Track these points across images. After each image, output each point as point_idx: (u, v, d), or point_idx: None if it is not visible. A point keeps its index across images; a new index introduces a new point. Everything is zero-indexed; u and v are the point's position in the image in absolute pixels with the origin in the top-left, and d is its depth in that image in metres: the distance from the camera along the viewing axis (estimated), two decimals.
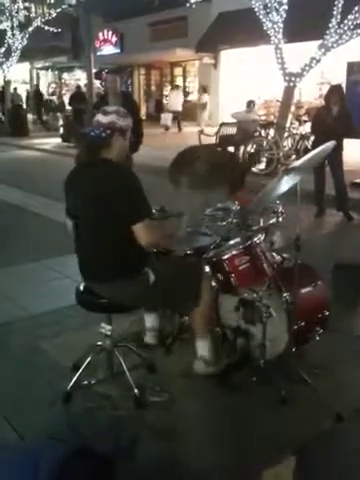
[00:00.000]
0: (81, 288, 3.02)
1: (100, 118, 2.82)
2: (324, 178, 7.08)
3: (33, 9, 19.74)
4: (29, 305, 4.30)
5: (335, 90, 7.04)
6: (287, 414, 2.90)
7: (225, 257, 3.02)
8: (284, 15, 10.10)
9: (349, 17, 9.46)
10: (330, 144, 3.03)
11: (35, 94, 23.23)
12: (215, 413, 2.96)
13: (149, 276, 2.87)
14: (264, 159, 10.62)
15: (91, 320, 3.33)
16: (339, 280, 4.28)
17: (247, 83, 17.62)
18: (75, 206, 2.90)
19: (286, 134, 10.95)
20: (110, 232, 2.77)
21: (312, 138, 8.26)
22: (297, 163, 3.08)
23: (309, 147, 9.97)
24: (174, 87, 21.61)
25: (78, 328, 3.79)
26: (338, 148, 6.47)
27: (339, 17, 9.57)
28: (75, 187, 2.89)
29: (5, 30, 19.53)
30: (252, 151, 10.53)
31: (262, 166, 10.56)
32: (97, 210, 2.75)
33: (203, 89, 19.76)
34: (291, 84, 10.42)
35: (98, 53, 22.57)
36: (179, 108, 19.64)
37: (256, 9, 10.25)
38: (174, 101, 19.84)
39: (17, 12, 19.42)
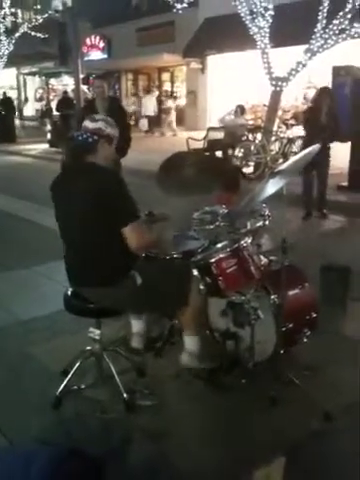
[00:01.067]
0: (69, 293, 3.03)
1: (87, 124, 2.86)
2: (312, 181, 7.18)
3: (20, 15, 19.67)
4: (19, 310, 4.30)
5: (324, 92, 7.20)
6: (277, 415, 2.92)
7: (213, 260, 3.03)
8: (270, 20, 10.18)
9: (334, 22, 9.56)
10: (315, 147, 3.07)
11: (2, 101, 22.28)
12: (205, 415, 2.98)
13: (136, 279, 2.88)
14: (252, 163, 10.68)
15: (81, 325, 3.33)
16: (327, 281, 4.32)
17: (235, 88, 17.70)
18: (63, 210, 2.91)
19: (273, 138, 11.03)
20: (97, 235, 2.78)
21: (299, 142, 8.35)
22: (283, 166, 3.11)
23: (297, 150, 10.07)
24: (147, 92, 21.74)
25: (68, 333, 3.79)
26: (325, 149, 6.59)
27: (324, 22, 9.68)
28: (62, 192, 2.90)
29: None
30: (240, 155, 10.58)
31: (250, 170, 10.62)
32: (84, 214, 2.75)
33: (171, 94, 19.93)
34: (278, 88, 10.50)
35: (85, 58, 22.45)
36: (151, 113, 19.84)
37: (242, 14, 10.32)
38: (147, 106, 20.03)
39: (4, 18, 19.38)
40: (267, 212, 3.33)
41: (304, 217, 7.24)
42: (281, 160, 10.78)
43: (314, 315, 3.32)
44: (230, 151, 10.80)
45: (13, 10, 19.54)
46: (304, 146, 7.08)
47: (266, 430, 2.82)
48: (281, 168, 3.10)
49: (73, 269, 2.95)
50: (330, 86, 10.61)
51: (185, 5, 13.37)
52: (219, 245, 3.16)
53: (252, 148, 10.66)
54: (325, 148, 6.62)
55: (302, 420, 2.88)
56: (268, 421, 2.88)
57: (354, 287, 4.35)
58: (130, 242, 2.75)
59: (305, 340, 3.29)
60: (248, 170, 10.60)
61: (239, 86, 17.53)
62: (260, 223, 3.30)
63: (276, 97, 10.78)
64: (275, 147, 11.15)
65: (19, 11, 19.83)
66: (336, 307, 4.18)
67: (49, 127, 17.87)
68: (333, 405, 2.94)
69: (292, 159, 3.18)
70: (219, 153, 11.14)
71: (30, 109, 29.78)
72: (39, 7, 19.59)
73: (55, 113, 19.07)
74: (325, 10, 9.64)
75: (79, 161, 2.85)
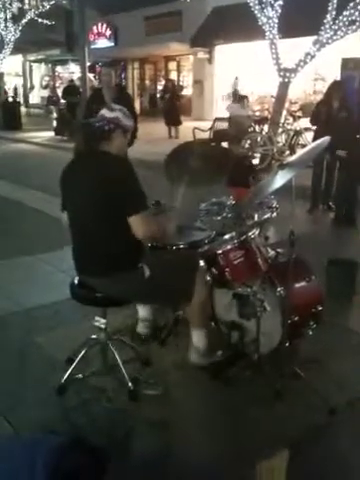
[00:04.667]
0: (75, 282, 3.02)
1: (105, 113, 2.85)
2: (322, 174, 7.17)
3: (26, 1, 19.56)
4: (24, 299, 4.30)
5: (337, 86, 7.15)
6: (281, 408, 2.92)
7: (220, 251, 3.02)
8: (279, 10, 10.09)
9: (344, 13, 9.47)
10: (325, 139, 3.04)
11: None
12: (209, 406, 2.98)
13: (144, 270, 2.87)
14: (258, 154, 10.64)
15: (85, 314, 3.33)
16: (333, 275, 4.31)
17: (242, 78, 17.62)
18: (72, 197, 2.90)
19: (280, 130, 10.97)
20: (106, 224, 2.77)
21: (306, 134, 8.28)
22: (292, 158, 3.09)
23: (304, 142, 10.02)
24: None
25: (73, 322, 3.80)
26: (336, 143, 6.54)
27: (334, 13, 9.58)
28: (73, 178, 2.89)
29: None
30: (246, 146, 10.54)
31: (256, 161, 10.57)
32: (94, 201, 2.74)
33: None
34: (285, 80, 10.42)
35: (92, 46, 22.45)
36: None
37: (251, 4, 10.23)
38: None
39: (10, 4, 19.27)
40: (275, 204, 3.31)
41: (309, 210, 7.20)
42: (288, 152, 10.74)
43: (320, 308, 3.31)
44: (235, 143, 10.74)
45: None
46: (314, 140, 7.04)
47: (270, 423, 2.82)
48: (290, 160, 3.08)
49: (81, 258, 2.95)
50: (339, 78, 10.59)
51: None
52: (226, 236, 3.15)
53: (259, 139, 10.61)
54: (339, 140, 6.56)
55: (306, 413, 2.88)
56: (272, 414, 2.88)
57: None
58: (136, 231, 2.74)
59: (310, 333, 3.29)
60: (254, 161, 10.55)
61: (247, 76, 17.44)
62: (268, 215, 3.29)
63: (283, 88, 10.71)
64: (282, 139, 11.10)
65: None
66: (342, 300, 4.18)
67: (55, 115, 17.82)
68: (337, 399, 2.94)
69: (301, 151, 3.15)
70: (225, 143, 11.08)
71: (36, 97, 29.70)
72: None
73: (61, 101, 19.00)
74: (335, 1, 9.53)
75: (93, 148, 2.84)
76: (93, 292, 2.89)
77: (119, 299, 2.93)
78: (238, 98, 11.77)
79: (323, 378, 3.15)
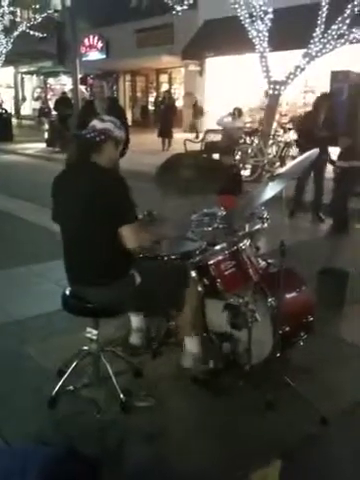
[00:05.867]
0: (67, 292, 3.02)
1: (96, 124, 2.86)
2: (305, 184, 7.35)
3: (19, 13, 19.65)
4: (15, 310, 4.29)
5: (325, 98, 7.26)
6: (273, 418, 2.92)
7: (211, 262, 3.04)
8: (269, 24, 10.20)
9: (333, 27, 9.59)
10: (314, 152, 3.09)
11: None
12: (201, 417, 2.98)
13: (135, 278, 2.89)
14: (249, 166, 10.71)
15: (77, 325, 3.33)
16: (324, 284, 4.34)
17: (233, 90, 17.74)
18: (64, 208, 2.91)
19: (271, 141, 11.05)
20: (97, 234, 2.78)
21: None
22: (282, 170, 3.12)
23: (294, 154, 10.11)
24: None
25: (65, 333, 3.78)
26: (322, 154, 6.62)
27: (323, 27, 9.70)
28: (64, 189, 2.90)
29: None
30: (237, 157, 10.60)
31: (247, 173, 10.64)
32: (85, 212, 2.76)
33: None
34: (276, 92, 10.51)
35: (84, 58, 22.55)
36: None
37: (241, 18, 10.33)
38: None
39: (2, 16, 19.35)
40: (265, 215, 3.34)
41: (289, 216, 7.31)
42: (278, 163, 10.81)
43: (310, 318, 3.33)
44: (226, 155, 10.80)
45: (12, 9, 19.47)
46: (299, 149, 7.16)
47: (262, 433, 2.82)
48: (280, 172, 3.11)
49: (72, 268, 2.95)
50: (328, 90, 10.71)
51: (185, 7, 13.31)
52: (218, 247, 3.17)
53: (249, 151, 10.68)
54: (321, 153, 6.64)
55: (298, 423, 2.88)
56: (264, 424, 2.88)
57: (351, 290, 4.37)
58: (126, 241, 2.76)
59: (301, 343, 3.30)
60: (245, 173, 10.61)
61: (237, 89, 17.57)
62: (258, 226, 3.31)
63: (274, 101, 10.80)
64: (272, 150, 11.18)
65: (18, 10, 19.76)
66: (333, 310, 4.20)
67: (46, 126, 17.84)
68: (329, 409, 2.95)
69: (291, 163, 3.19)
70: (217, 155, 11.14)
71: (28, 108, 29.73)
72: (38, 6, 19.53)
73: (53, 113, 19.03)
74: (324, 15, 9.66)
75: (83, 159, 2.85)
76: (84, 302, 2.90)
77: (111, 309, 2.92)
78: (234, 112, 11.85)
79: (315, 388, 3.16)
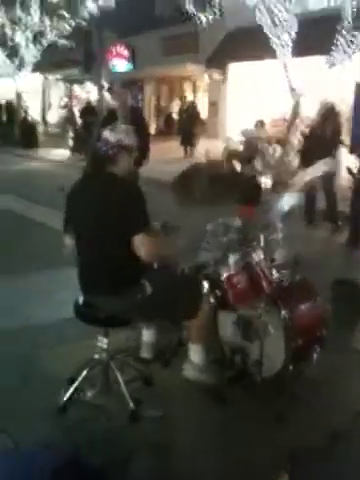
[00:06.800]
0: (79, 301, 3.04)
1: (108, 136, 2.90)
2: (315, 193, 7.26)
3: (47, 23, 19.95)
4: (30, 315, 4.32)
5: (330, 109, 7.23)
6: (283, 431, 2.89)
7: (223, 276, 3.04)
8: (292, 32, 10.19)
9: (355, 33, 9.55)
10: (326, 162, 3.07)
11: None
12: (211, 428, 2.96)
13: (146, 289, 2.90)
14: (270, 176, 10.65)
15: (91, 333, 3.34)
16: (339, 296, 4.28)
17: (256, 99, 17.69)
18: (79, 217, 2.95)
19: (293, 151, 10.98)
20: (110, 243, 2.81)
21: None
22: (296, 180, 3.11)
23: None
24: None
25: (77, 340, 3.79)
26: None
27: (345, 34, 9.67)
28: (80, 199, 2.95)
29: (19, 43, 19.83)
30: (259, 167, 10.57)
31: (268, 182, 10.58)
32: (99, 221, 2.81)
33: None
34: (298, 102, 10.49)
35: (110, 67, 22.77)
36: None
37: (264, 26, 10.34)
38: None
39: (32, 25, 19.68)
40: (280, 225, 3.32)
41: (307, 226, 7.28)
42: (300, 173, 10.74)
43: (324, 332, 3.29)
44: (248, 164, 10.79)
45: (41, 18, 19.78)
46: (302, 162, 7.16)
47: (271, 446, 2.79)
48: (294, 182, 3.10)
49: (84, 276, 2.98)
50: (352, 103, 10.62)
51: (209, 15, 13.35)
52: (231, 258, 3.15)
53: (271, 161, 10.64)
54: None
55: (308, 437, 2.84)
56: (273, 437, 2.86)
57: None
58: (140, 251, 2.77)
59: (315, 356, 3.26)
60: (267, 182, 10.57)
61: (260, 98, 17.52)
62: (273, 236, 3.29)
63: (296, 111, 10.76)
64: (294, 160, 11.11)
65: (47, 19, 20.05)
66: (348, 322, 4.13)
67: (71, 134, 18.05)
68: (341, 423, 2.90)
69: (303, 174, 3.18)
70: (238, 165, 11.13)
71: (54, 116, 30.09)
72: (67, 16, 19.80)
73: (78, 120, 19.26)
74: (346, 22, 9.62)
75: (100, 170, 2.90)
76: (95, 311, 2.91)
77: (121, 318, 2.94)
78: (257, 124, 11.83)
79: (327, 401, 3.13)
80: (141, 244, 2.77)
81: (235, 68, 18.83)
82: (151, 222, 2.90)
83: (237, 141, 11.71)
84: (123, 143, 2.88)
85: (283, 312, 3.08)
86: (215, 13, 13.98)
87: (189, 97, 23.02)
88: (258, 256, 3.10)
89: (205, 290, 3.09)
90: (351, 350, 3.80)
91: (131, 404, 2.97)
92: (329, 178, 7.04)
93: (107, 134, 2.91)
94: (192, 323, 3.09)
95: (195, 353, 3.16)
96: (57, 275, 5.27)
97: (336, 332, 3.63)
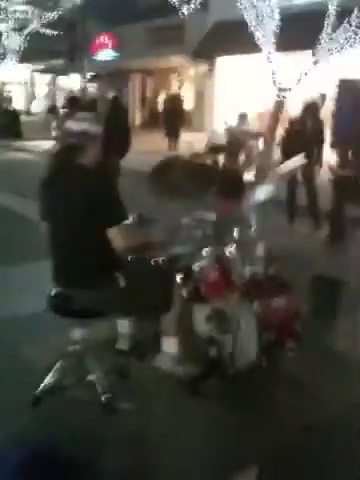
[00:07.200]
0: (52, 293, 3.04)
1: (73, 126, 2.87)
2: (295, 187, 7.38)
3: (30, 11, 19.71)
4: (8, 308, 4.31)
5: (311, 107, 7.32)
6: (254, 425, 2.93)
7: (195, 267, 3.05)
8: (275, 25, 10.18)
9: (340, 29, 9.57)
10: (301, 156, 3.10)
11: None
12: (184, 421, 2.99)
13: (119, 281, 2.91)
14: (253, 170, 10.69)
15: (68, 325, 3.34)
16: (316, 293, 4.31)
17: (243, 92, 17.69)
18: (51, 209, 2.94)
19: (275, 146, 11.02)
20: (83, 234, 2.81)
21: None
22: (270, 174, 3.14)
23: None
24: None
25: (54, 332, 3.78)
26: (311, 159, 6.67)
27: (330, 30, 9.69)
28: (51, 191, 2.93)
29: (0, 32, 19.61)
30: (242, 161, 10.60)
31: (250, 177, 10.61)
32: (71, 213, 2.79)
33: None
34: (281, 97, 10.52)
35: (94, 57, 22.61)
36: None
37: (248, 20, 10.32)
38: None
39: (14, 13, 19.44)
40: (253, 221, 3.34)
41: (289, 222, 7.34)
42: None
43: (298, 326, 3.32)
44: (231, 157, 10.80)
45: (24, 7, 19.55)
46: (282, 155, 7.21)
47: (242, 439, 2.83)
48: (270, 176, 3.13)
49: (57, 268, 2.98)
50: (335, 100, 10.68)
51: (192, 8, 13.28)
52: (203, 252, 3.17)
53: (254, 155, 10.67)
54: (309, 165, 6.69)
55: (280, 431, 2.89)
56: (245, 430, 2.89)
57: (345, 299, 4.31)
58: (115, 243, 2.78)
59: (290, 351, 3.30)
60: (249, 176, 10.59)
61: (247, 91, 17.52)
62: (246, 231, 3.32)
63: (278, 106, 10.79)
64: (277, 155, 11.15)
65: (30, 8, 19.81)
66: (325, 319, 4.17)
67: (54, 124, 17.89)
68: (313, 418, 2.95)
69: (278, 168, 3.21)
70: (221, 158, 11.13)
71: (38, 106, 29.82)
72: (50, 4, 19.57)
73: (61, 111, 19.10)
74: (331, 18, 9.64)
75: (67, 162, 2.87)
76: (68, 303, 2.91)
77: (95, 310, 2.95)
78: (239, 116, 11.82)
79: (300, 397, 3.16)
80: (115, 235, 2.77)
81: (223, 60, 18.81)
82: (127, 214, 2.90)
83: (221, 134, 11.69)
84: (89, 133, 2.85)
85: (255, 305, 3.11)
86: (200, 6, 13.86)
87: (175, 89, 22.92)
88: (230, 250, 3.12)
89: (178, 282, 3.10)
90: (326, 347, 3.82)
91: (104, 396, 2.98)
92: (310, 173, 7.11)
93: (71, 124, 2.88)
94: (166, 316, 3.11)
95: (169, 345, 3.18)
96: (36, 267, 5.25)
97: (313, 328, 3.68)
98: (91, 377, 3.06)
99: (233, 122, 11.80)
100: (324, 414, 3.05)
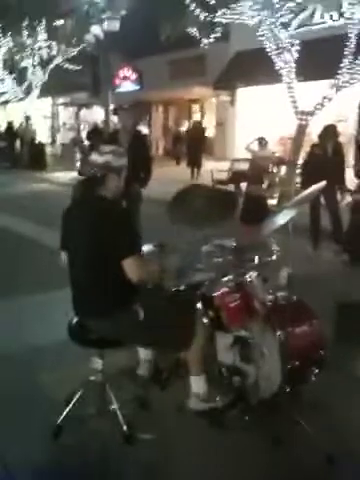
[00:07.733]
0: (73, 322, 3.04)
1: (96, 158, 2.90)
2: (319, 213, 7.26)
3: (55, 47, 20.27)
4: (31, 337, 4.32)
5: (329, 130, 7.18)
6: (280, 454, 2.86)
7: (216, 294, 3.02)
8: (296, 55, 10.26)
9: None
10: (322, 184, 3.07)
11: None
12: (206, 452, 2.92)
13: (139, 313, 2.88)
14: (276, 195, 10.67)
15: (88, 354, 3.32)
16: (342, 319, 4.22)
17: (264, 120, 17.79)
18: (71, 240, 2.97)
19: (298, 171, 11.00)
20: (102, 266, 2.82)
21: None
22: (292, 200, 3.11)
23: None
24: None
25: (74, 362, 3.77)
26: (332, 190, 6.61)
27: (351, 57, 9.71)
28: (72, 222, 2.97)
29: (26, 67, 20.17)
30: (265, 186, 10.57)
31: (274, 202, 10.59)
32: (89, 245, 2.81)
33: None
34: (303, 122, 10.52)
35: (117, 90, 23.04)
36: None
37: (268, 49, 10.43)
38: None
39: (39, 49, 20.00)
40: (274, 246, 3.30)
41: (313, 247, 7.26)
42: None
43: (322, 353, 3.25)
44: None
45: (48, 43, 20.10)
46: (302, 185, 7.16)
47: (268, 469, 2.75)
48: (291, 201, 3.10)
49: (75, 297, 2.98)
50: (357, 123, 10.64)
51: (211, 40, 13.49)
52: (224, 279, 3.14)
53: (277, 180, 10.65)
54: (332, 189, 6.62)
55: (304, 461, 2.80)
56: (270, 460, 2.82)
57: None
58: (130, 274, 2.77)
59: (313, 379, 3.22)
60: (273, 202, 10.57)
61: (268, 119, 17.61)
62: (268, 257, 3.28)
63: (301, 130, 10.79)
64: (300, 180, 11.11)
65: (54, 43, 20.37)
66: (350, 346, 4.07)
67: (79, 156, 18.20)
68: (337, 448, 2.85)
69: (299, 196, 3.18)
70: (244, 184, 11.13)
71: (62, 138, 30.40)
72: (74, 40, 20.09)
73: (85, 143, 19.44)
74: (352, 45, 9.68)
75: (89, 193, 2.91)
76: (89, 333, 2.90)
77: (113, 340, 2.92)
78: (260, 141, 11.86)
79: (324, 425, 3.07)
80: (131, 267, 2.77)
81: (244, 90, 18.99)
82: (143, 244, 2.91)
83: (243, 161, 11.72)
84: (111, 165, 2.88)
85: (278, 333, 3.05)
86: (221, 36, 14.05)
87: (197, 118, 23.16)
88: (251, 276, 3.08)
89: (199, 310, 3.07)
90: (352, 375, 3.72)
91: (125, 427, 2.94)
92: (331, 197, 7.04)
93: (94, 156, 2.92)
94: (191, 351, 3.05)
95: (197, 384, 3.12)
96: (56, 296, 5.26)
97: (339, 355, 3.59)
98: (112, 407, 3.01)
99: (255, 147, 11.82)
100: (347, 444, 2.95)
